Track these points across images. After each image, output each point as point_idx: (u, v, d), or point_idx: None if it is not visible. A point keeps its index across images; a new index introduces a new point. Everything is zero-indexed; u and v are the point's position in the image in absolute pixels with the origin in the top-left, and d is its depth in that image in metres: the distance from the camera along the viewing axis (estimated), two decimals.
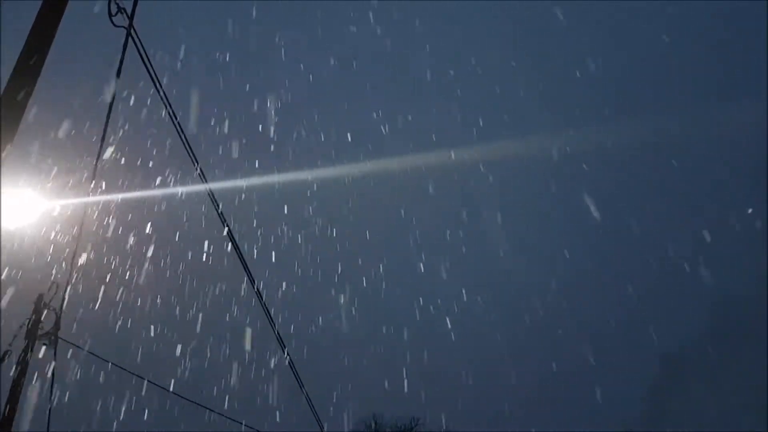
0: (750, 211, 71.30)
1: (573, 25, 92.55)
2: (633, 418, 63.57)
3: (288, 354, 11.29)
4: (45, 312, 10.71)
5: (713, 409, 59.45)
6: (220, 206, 8.39)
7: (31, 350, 10.39)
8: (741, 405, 57.04)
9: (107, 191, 9.25)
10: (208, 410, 14.55)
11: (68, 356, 11.24)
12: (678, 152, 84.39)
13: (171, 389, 13.62)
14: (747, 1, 78.91)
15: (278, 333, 10.33)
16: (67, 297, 10.36)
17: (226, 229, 8.58)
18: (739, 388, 58.89)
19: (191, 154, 7.76)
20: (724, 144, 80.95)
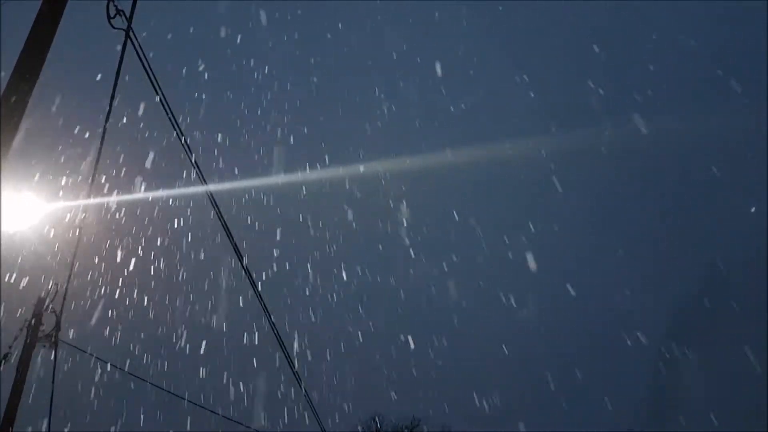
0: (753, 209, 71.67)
1: (572, 24, 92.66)
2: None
3: (294, 367, 11.28)
4: (45, 314, 10.75)
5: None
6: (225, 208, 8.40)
7: (32, 352, 10.42)
8: None
9: (107, 194, 9.28)
10: (210, 412, 14.59)
11: (68, 357, 11.28)
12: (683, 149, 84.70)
13: (172, 390, 13.63)
14: (747, 1, 78.93)
15: (278, 334, 10.34)
16: (66, 298, 10.41)
17: (227, 230, 8.59)
18: None
19: (191, 158, 7.79)
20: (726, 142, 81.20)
